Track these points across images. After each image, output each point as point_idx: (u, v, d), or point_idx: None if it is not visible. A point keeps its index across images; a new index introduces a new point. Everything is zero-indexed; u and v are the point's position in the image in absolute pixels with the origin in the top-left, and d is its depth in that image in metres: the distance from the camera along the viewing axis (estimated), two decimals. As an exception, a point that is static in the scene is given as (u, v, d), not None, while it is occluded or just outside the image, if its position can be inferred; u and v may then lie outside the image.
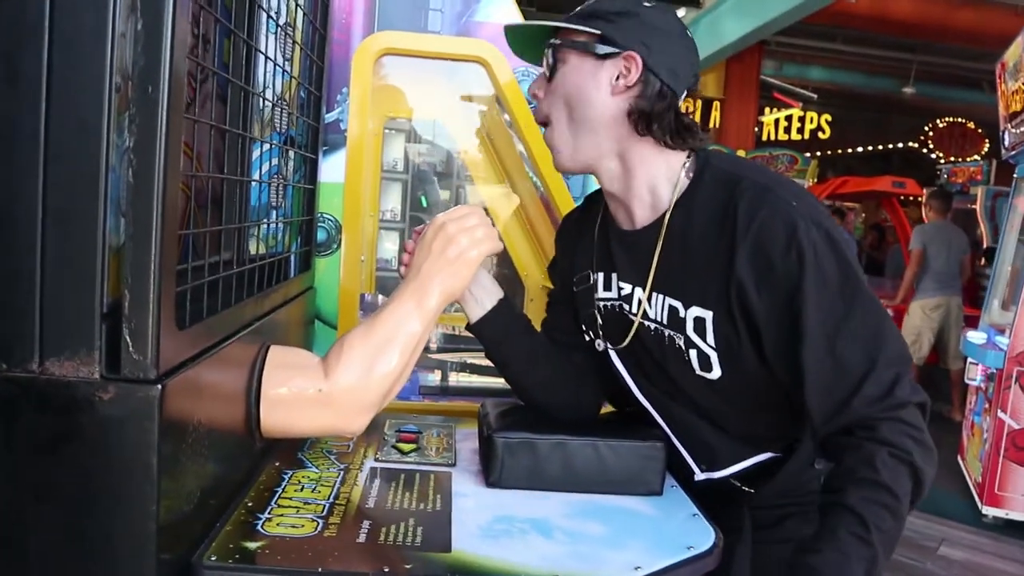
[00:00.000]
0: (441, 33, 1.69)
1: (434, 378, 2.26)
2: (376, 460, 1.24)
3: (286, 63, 1.38)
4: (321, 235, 1.65)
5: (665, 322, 1.16)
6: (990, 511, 3.84)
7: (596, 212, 1.28)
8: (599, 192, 1.25)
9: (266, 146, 1.30)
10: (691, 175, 1.15)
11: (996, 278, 4.72)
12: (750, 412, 1.15)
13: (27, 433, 0.74)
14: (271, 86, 1.33)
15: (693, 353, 1.13)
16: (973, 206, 9.09)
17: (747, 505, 1.15)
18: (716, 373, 1.13)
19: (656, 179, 1.16)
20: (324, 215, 1.65)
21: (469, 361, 2.28)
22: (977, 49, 10.30)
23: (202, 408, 0.88)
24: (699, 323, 1.12)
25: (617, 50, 1.11)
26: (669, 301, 1.15)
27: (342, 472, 1.17)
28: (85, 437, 0.74)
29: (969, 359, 4.23)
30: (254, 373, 1.07)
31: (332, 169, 1.65)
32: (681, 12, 10.19)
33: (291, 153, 1.45)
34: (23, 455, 0.74)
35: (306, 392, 1.08)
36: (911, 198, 9.03)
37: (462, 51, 1.69)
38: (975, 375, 4.20)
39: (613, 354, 1.26)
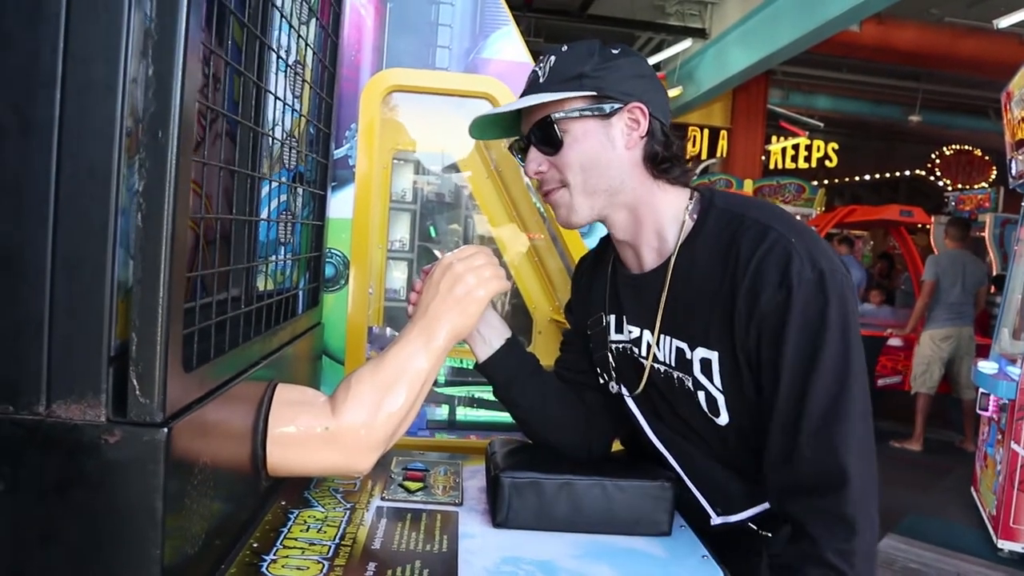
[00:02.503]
0: (449, 69, 1.71)
1: (442, 412, 2.25)
2: (383, 499, 1.23)
3: (295, 101, 1.39)
4: (329, 271, 1.66)
5: (673, 364, 1.16)
6: (1005, 545, 3.78)
7: (609, 254, 1.29)
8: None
9: (275, 183, 1.31)
10: (695, 216, 1.16)
11: (1006, 307, 4.68)
12: (762, 456, 1.12)
13: (33, 476, 0.74)
14: (280, 124, 1.35)
15: (702, 395, 1.13)
16: (982, 234, 9.08)
17: (766, 551, 1.13)
18: (724, 418, 1.12)
19: (664, 222, 1.16)
20: (332, 250, 1.66)
21: (477, 395, 2.27)
22: (982, 77, 10.35)
23: (208, 449, 0.87)
24: (705, 364, 1.11)
25: (620, 104, 1.12)
26: (676, 343, 1.15)
27: (348, 512, 1.16)
28: (91, 480, 0.74)
29: (980, 389, 4.19)
30: (261, 411, 1.07)
31: (340, 204, 1.66)
32: (687, 43, 10.29)
33: (300, 189, 1.46)
34: (29, 497, 0.74)
35: (313, 430, 1.08)
36: (919, 226, 9.02)
37: (469, 87, 1.70)
38: (987, 405, 4.16)
39: (627, 397, 1.25)
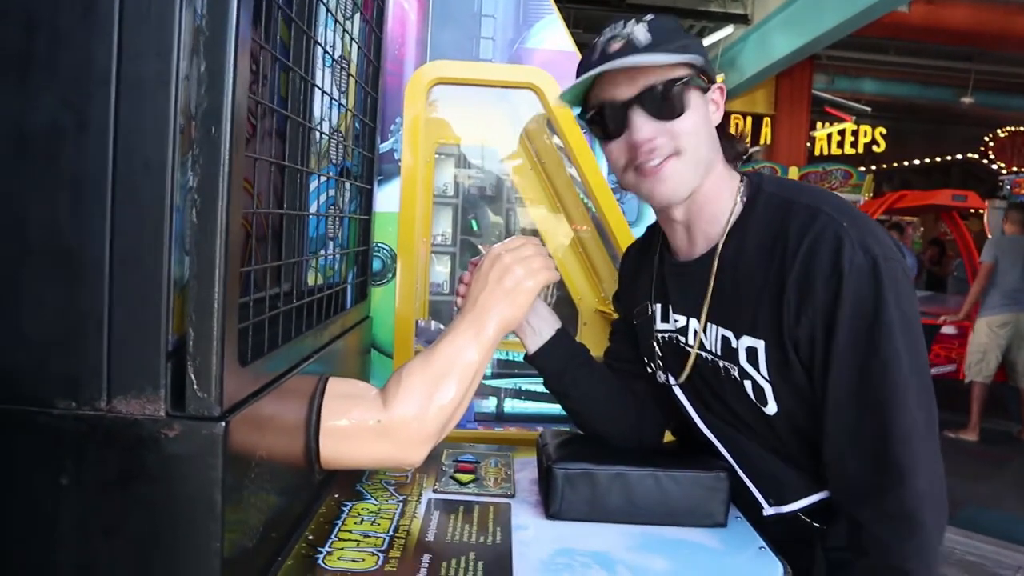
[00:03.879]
0: (493, 61, 1.70)
1: (489, 405, 2.25)
2: (434, 491, 1.23)
3: (341, 96, 1.40)
4: (376, 265, 1.66)
5: (719, 353, 1.14)
6: (1073, 536, 3.67)
7: (656, 243, 1.27)
8: (658, 223, 1.23)
9: (323, 177, 1.32)
10: (744, 200, 1.14)
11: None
12: (815, 446, 1.10)
13: (95, 470, 0.75)
14: (327, 119, 1.35)
15: (748, 384, 1.11)
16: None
17: (820, 544, 1.11)
18: (772, 408, 1.10)
19: (721, 205, 1.14)
20: (379, 244, 1.66)
21: (524, 387, 2.27)
22: (1038, 56, 10.03)
23: (264, 442, 0.88)
24: (751, 353, 1.09)
25: (709, 82, 1.12)
26: (722, 331, 1.13)
27: (401, 504, 1.17)
28: (151, 474, 0.75)
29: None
30: (313, 405, 1.08)
31: (386, 198, 1.67)
32: (729, 29, 10.14)
33: (347, 184, 1.47)
34: (92, 491, 0.75)
35: (365, 423, 1.08)
36: (971, 211, 8.78)
37: (514, 78, 1.69)
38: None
39: (675, 387, 1.24)
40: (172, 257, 0.73)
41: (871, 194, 10.24)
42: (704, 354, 1.17)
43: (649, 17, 1.10)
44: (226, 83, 0.72)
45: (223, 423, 0.74)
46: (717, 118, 1.14)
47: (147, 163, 0.71)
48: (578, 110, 1.17)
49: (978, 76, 11.89)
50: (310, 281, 1.36)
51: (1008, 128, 13.90)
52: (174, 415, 0.74)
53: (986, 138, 14.11)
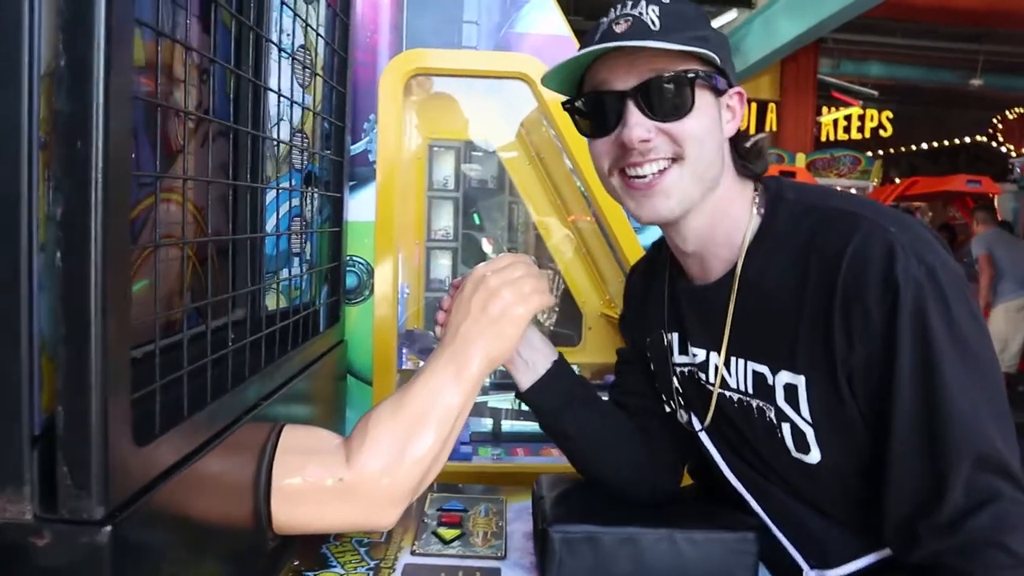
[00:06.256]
0: (478, 48, 1.51)
1: (486, 424, 2.08)
2: (413, 553, 1.05)
3: (303, 92, 1.22)
4: (351, 281, 1.48)
5: (751, 391, 0.96)
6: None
7: (664, 260, 1.09)
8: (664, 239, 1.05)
9: (276, 190, 1.14)
10: (762, 211, 0.96)
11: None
12: (865, 500, 0.91)
13: (-47, 584, 0.58)
14: (286, 120, 1.18)
15: (786, 428, 0.92)
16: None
17: None
18: (815, 456, 0.92)
19: (736, 223, 0.96)
20: (354, 258, 1.48)
21: (524, 407, 2.09)
22: (1049, 35, 9.80)
23: (184, 528, 0.71)
24: (790, 391, 0.91)
25: (729, 84, 0.94)
26: (753, 366, 0.95)
27: (372, 572, 0.99)
28: (23, 590, 0.58)
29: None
30: (264, 461, 0.91)
31: (362, 206, 1.49)
32: (732, 14, 9.93)
33: (313, 192, 1.29)
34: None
35: (324, 482, 0.91)
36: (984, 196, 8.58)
37: (502, 67, 1.51)
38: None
39: (700, 431, 1.05)
40: (36, 313, 0.55)
41: (879, 180, 10.04)
42: (729, 393, 0.99)
43: (665, 0, 0.91)
44: (95, 80, 0.53)
45: (108, 528, 0.57)
46: (732, 128, 0.95)
47: (-12, 191, 0.53)
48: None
49: (987, 57, 11.63)
50: (272, 304, 1.19)
51: (1017, 109, 13.63)
52: (44, 518, 0.57)
53: (995, 120, 13.85)
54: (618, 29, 0.89)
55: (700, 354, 1.01)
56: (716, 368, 0.99)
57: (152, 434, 0.64)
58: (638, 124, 0.90)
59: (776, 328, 0.92)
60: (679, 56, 0.89)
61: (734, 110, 0.95)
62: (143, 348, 0.76)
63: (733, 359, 0.97)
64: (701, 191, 0.93)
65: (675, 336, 1.06)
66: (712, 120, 0.92)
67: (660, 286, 1.09)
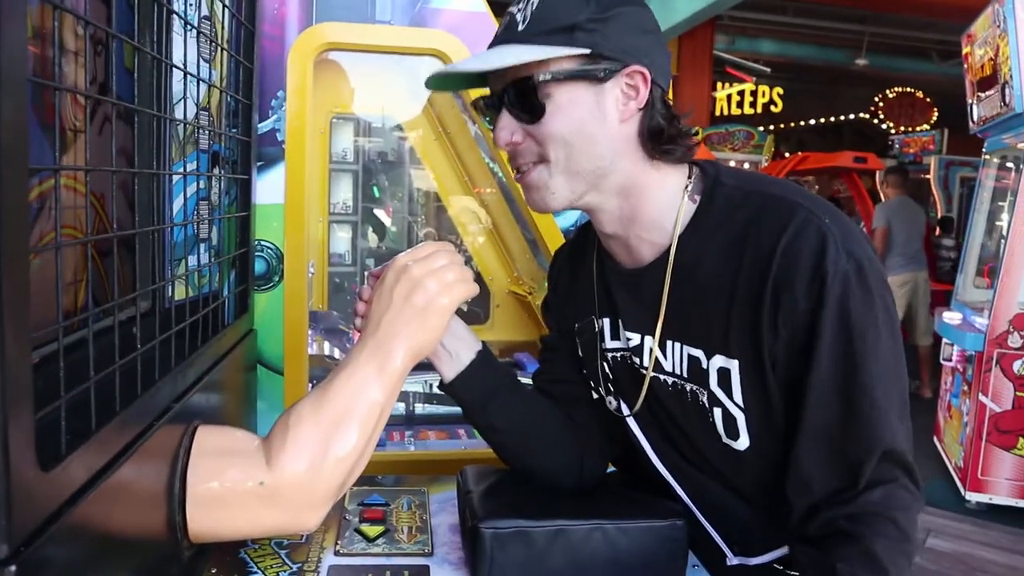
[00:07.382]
0: (392, 23, 1.45)
1: (398, 408, 2.04)
2: (337, 553, 1.01)
3: (207, 67, 1.14)
4: (260, 266, 1.41)
5: (686, 375, 0.96)
6: (973, 496, 3.74)
7: (592, 244, 1.07)
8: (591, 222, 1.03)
9: (178, 175, 1.06)
10: (696, 198, 0.95)
11: (967, 256, 4.62)
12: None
13: None
14: (191, 97, 1.10)
15: (718, 412, 0.93)
16: (927, 176, 9.10)
17: None
18: (744, 442, 0.93)
19: (661, 210, 0.95)
20: (262, 243, 1.41)
21: (436, 389, 2.06)
22: (927, 19, 10.29)
23: (95, 553, 0.65)
24: (723, 375, 0.92)
25: (618, 66, 0.89)
26: (688, 350, 0.95)
27: (294, 577, 0.95)
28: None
29: (944, 340, 4.12)
30: (177, 467, 0.85)
31: (270, 187, 1.41)
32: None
33: (219, 173, 1.21)
34: None
35: (244, 486, 0.87)
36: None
37: (417, 44, 1.46)
38: (950, 355, 4.10)
39: (628, 416, 1.05)
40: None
41: (771, 155, 10.38)
42: (664, 377, 0.99)
43: None
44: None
45: (12, 568, 0.51)
46: (631, 111, 0.91)
47: None
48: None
49: (871, 38, 12.15)
50: (179, 294, 1.11)
51: (896, 88, 14.34)
52: (-64, 558, 0.51)
53: (876, 99, 14.53)
54: (500, 28, 0.92)
55: (635, 338, 1.01)
56: (650, 351, 0.98)
57: (59, 455, 0.58)
58: (504, 128, 0.93)
59: (710, 313, 0.92)
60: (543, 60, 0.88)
61: (634, 90, 0.91)
62: (40, 351, 0.69)
63: (669, 343, 0.97)
64: (583, 184, 0.93)
65: (607, 322, 1.05)
66: (584, 115, 0.90)
67: (588, 270, 1.07)
